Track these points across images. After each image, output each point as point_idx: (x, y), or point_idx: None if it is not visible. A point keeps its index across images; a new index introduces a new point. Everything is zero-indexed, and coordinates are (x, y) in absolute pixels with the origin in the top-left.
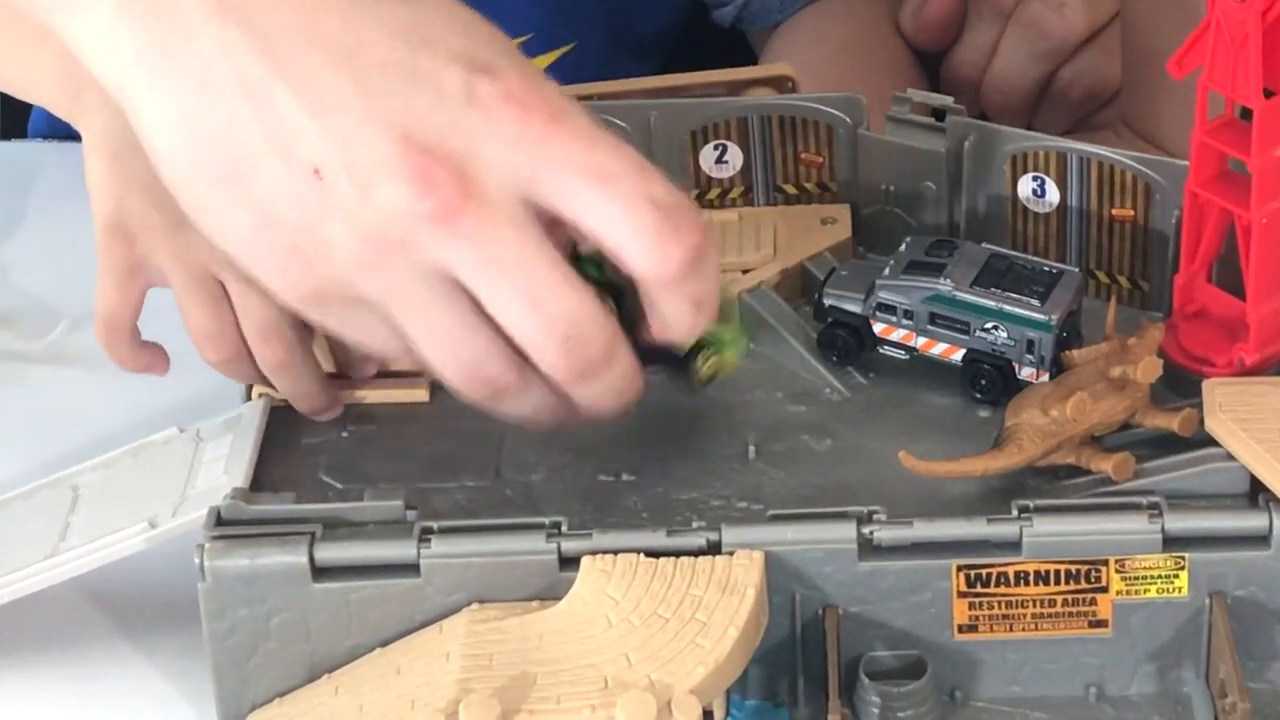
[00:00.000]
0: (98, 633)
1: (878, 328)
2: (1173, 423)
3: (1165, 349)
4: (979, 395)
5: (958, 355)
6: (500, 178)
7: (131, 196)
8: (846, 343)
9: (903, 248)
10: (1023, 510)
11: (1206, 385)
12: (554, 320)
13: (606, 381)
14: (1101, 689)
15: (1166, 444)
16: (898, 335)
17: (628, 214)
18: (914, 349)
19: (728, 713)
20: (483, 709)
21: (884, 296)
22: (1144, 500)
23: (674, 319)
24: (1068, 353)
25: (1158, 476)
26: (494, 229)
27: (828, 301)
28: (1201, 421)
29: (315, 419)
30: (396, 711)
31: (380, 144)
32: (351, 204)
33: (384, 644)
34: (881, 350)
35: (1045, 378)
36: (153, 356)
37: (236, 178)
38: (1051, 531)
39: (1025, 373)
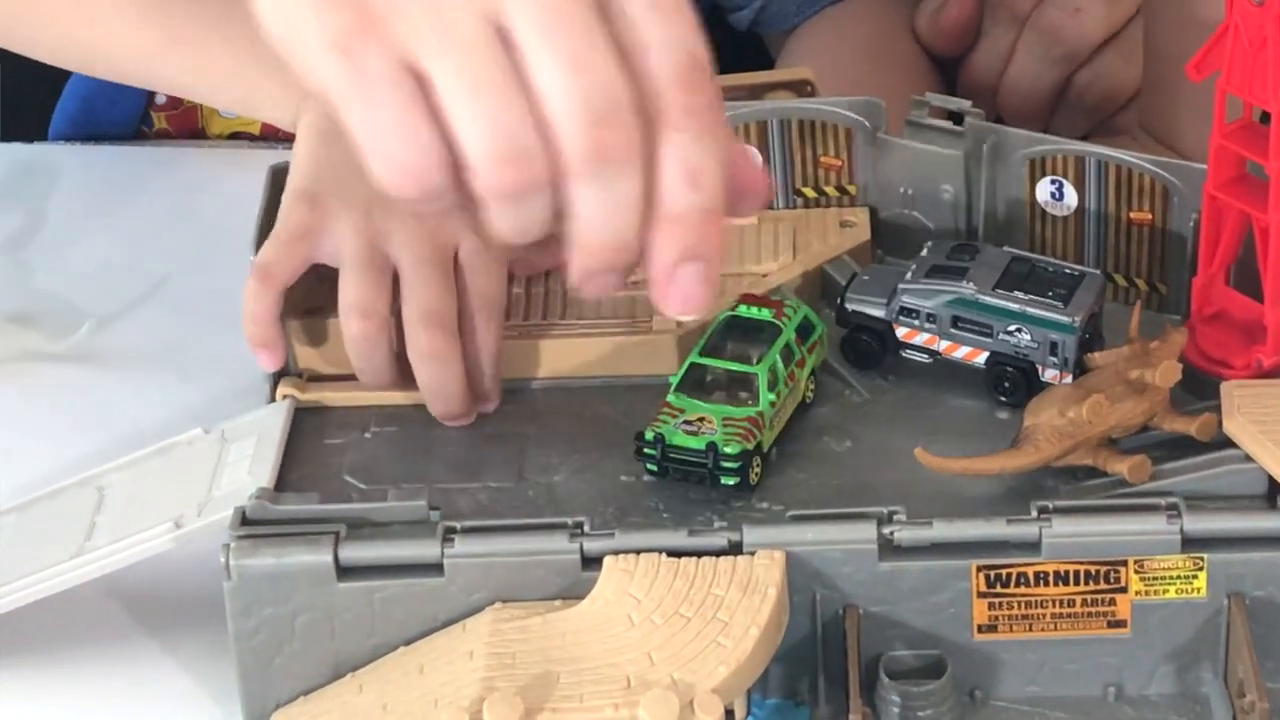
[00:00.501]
0: (123, 632)
1: (900, 332)
2: (1191, 427)
3: (1183, 352)
4: (1003, 398)
5: (981, 358)
6: None
7: (330, 168)
8: (869, 347)
9: (924, 252)
10: (1042, 511)
11: (1225, 387)
12: (590, 90)
13: (621, 189)
14: (1120, 689)
15: (1185, 446)
16: (920, 339)
17: (665, 47)
18: (937, 353)
19: (749, 711)
20: (506, 707)
21: (906, 301)
22: (1163, 501)
23: (667, 182)
24: (1090, 355)
25: (1176, 478)
26: None
27: (850, 306)
28: (1220, 424)
29: (448, 423)
30: (420, 710)
31: None
32: None
33: (407, 643)
34: (904, 354)
35: (1068, 379)
36: (278, 336)
37: None
38: (1071, 532)
39: (1049, 375)
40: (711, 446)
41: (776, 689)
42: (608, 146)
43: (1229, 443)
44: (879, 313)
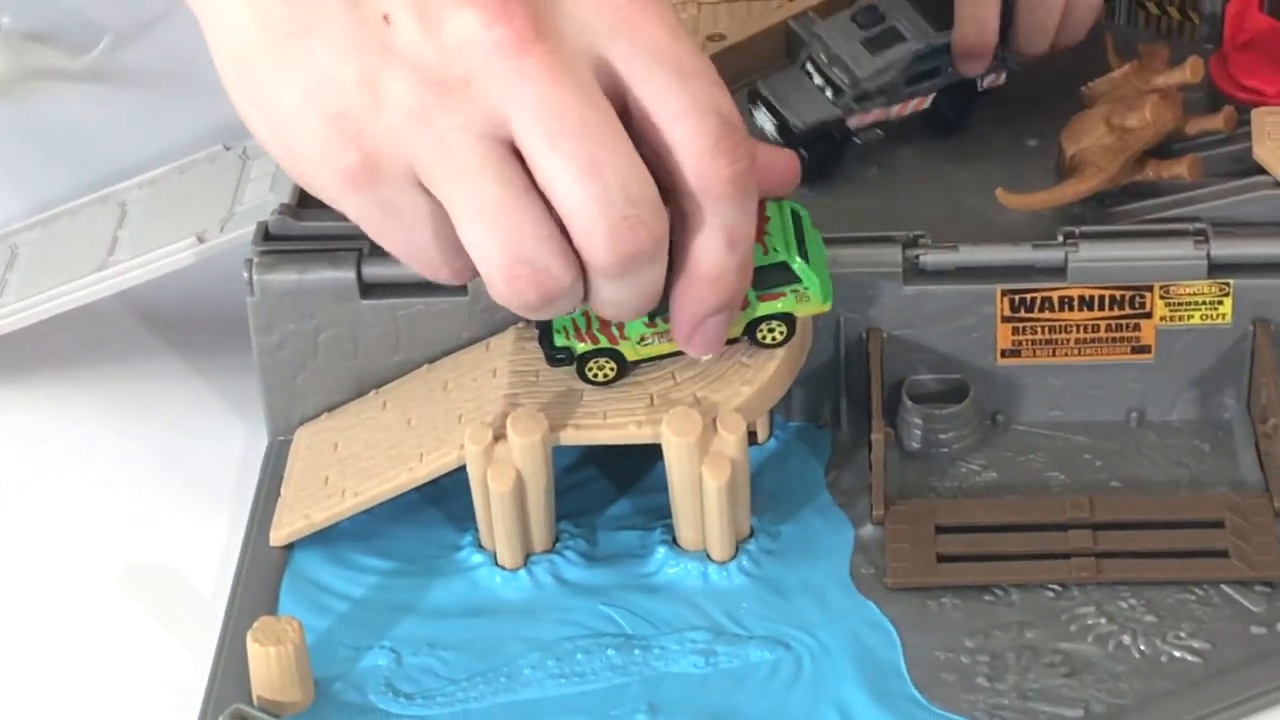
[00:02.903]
0: (146, 348)
1: (853, 121)
2: (1217, 122)
3: (1216, 79)
4: (951, 118)
5: (928, 101)
6: (578, 32)
7: None
8: (830, 153)
9: (827, 40)
10: (1068, 236)
11: (1255, 114)
12: (611, 194)
13: (643, 281)
14: (1143, 414)
15: (1213, 172)
16: (872, 118)
17: (695, 114)
18: (888, 121)
19: (771, 433)
20: (530, 422)
21: (869, 85)
22: (1190, 226)
23: (705, 248)
24: (1088, 85)
25: (1204, 203)
26: (561, 78)
27: (800, 124)
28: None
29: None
30: (444, 424)
31: None
32: (417, 45)
33: (431, 360)
34: (857, 140)
35: (1002, 79)
36: None
37: (302, 33)
38: (1097, 257)
39: (987, 81)
40: (546, 329)
41: (799, 412)
42: (631, 254)
43: (1258, 169)
44: (831, 114)
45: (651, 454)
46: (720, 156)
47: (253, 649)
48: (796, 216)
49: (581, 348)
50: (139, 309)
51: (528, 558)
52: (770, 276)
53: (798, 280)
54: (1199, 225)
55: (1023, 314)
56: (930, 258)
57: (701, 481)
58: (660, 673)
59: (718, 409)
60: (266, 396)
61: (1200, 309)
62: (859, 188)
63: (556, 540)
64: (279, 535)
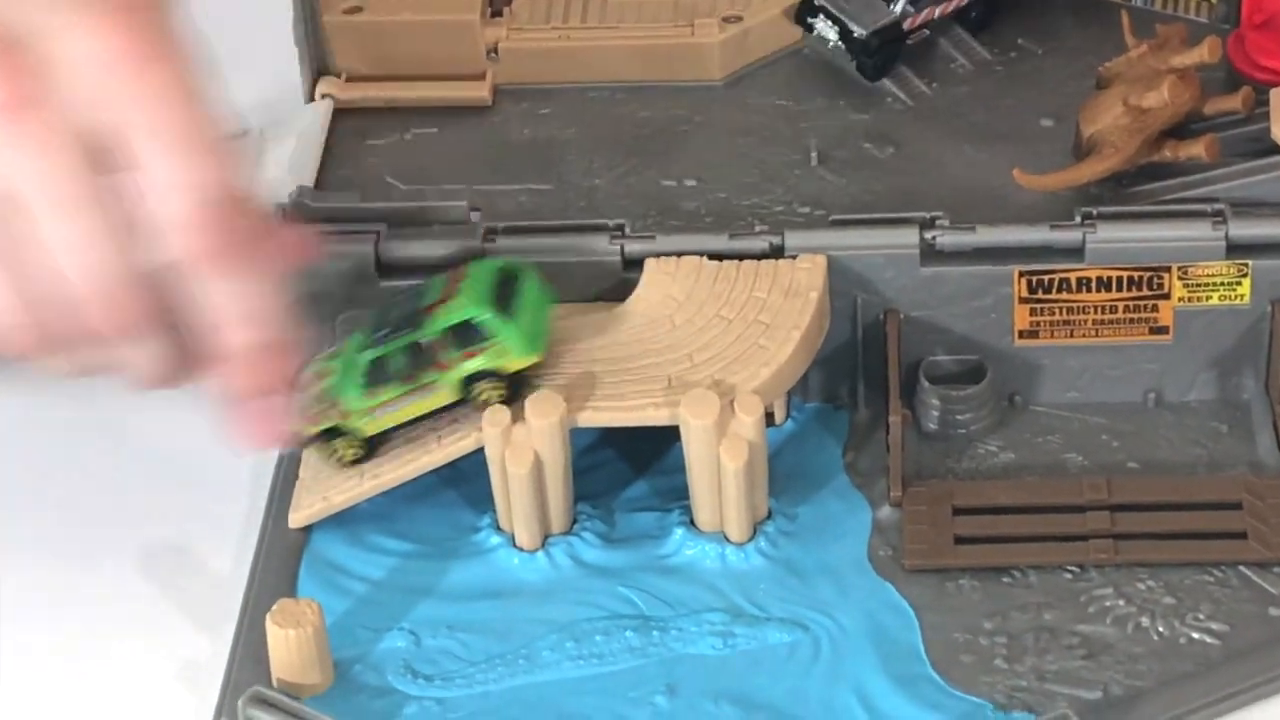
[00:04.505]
0: None
1: (907, 23)
2: (1235, 103)
3: (1233, 59)
4: (977, 19)
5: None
6: (71, 97)
7: None
8: (887, 58)
9: None
10: (1086, 216)
11: (1274, 93)
12: (85, 270)
13: (141, 353)
14: (1160, 395)
15: (1231, 153)
16: (922, 18)
17: (168, 190)
18: (934, 20)
19: (788, 415)
20: (547, 404)
21: None
22: (1209, 207)
23: (213, 311)
24: (1105, 65)
25: (1223, 184)
26: (47, 148)
27: (863, 33)
28: (1269, 129)
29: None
30: (461, 407)
31: None
32: None
33: None
34: (909, 41)
35: None
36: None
37: None
38: (1115, 238)
39: None
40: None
41: (816, 393)
42: (105, 328)
43: (1276, 149)
44: (890, 18)
45: (669, 435)
46: (191, 234)
47: (272, 631)
48: (513, 276)
49: (310, 430)
50: None
51: (546, 539)
52: (463, 334)
53: (491, 334)
54: (1217, 206)
55: (1040, 295)
56: (947, 239)
57: (719, 463)
58: (678, 654)
59: (735, 391)
60: None
61: (1218, 290)
62: (875, 169)
63: (574, 522)
64: (297, 517)
